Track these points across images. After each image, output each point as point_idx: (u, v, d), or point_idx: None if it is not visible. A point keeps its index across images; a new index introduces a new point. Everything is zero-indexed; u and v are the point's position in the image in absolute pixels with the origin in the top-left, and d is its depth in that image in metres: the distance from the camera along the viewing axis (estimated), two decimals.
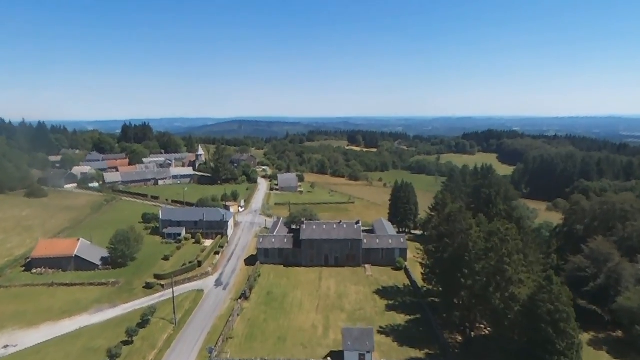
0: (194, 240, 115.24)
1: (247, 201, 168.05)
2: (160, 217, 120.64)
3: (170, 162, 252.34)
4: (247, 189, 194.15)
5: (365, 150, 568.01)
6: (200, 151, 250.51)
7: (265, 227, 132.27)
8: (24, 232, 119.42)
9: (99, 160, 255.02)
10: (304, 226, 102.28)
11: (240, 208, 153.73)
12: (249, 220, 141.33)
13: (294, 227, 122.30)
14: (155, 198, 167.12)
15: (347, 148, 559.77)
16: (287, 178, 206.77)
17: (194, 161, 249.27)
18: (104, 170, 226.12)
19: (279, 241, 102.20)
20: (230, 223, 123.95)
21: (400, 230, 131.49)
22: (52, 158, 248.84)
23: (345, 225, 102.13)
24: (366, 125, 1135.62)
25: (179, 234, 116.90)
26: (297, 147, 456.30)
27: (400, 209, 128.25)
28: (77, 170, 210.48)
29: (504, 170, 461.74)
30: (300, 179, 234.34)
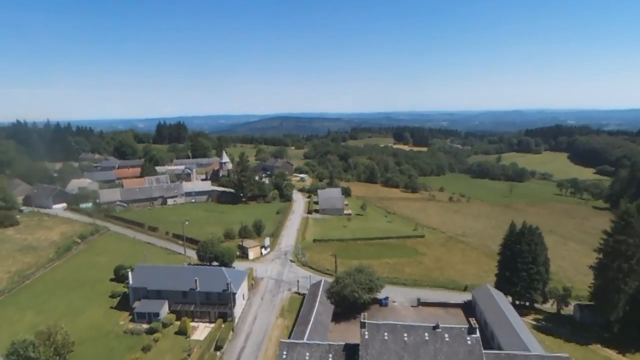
0: (178, 327, 69.63)
1: (276, 234, 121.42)
2: (130, 282, 75.87)
3: (190, 170, 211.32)
4: (277, 212, 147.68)
5: (414, 149, 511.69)
6: (225, 158, 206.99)
7: (297, 292, 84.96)
8: None
9: (110, 169, 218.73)
10: (366, 334, 53.23)
11: (263, 250, 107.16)
12: (274, 275, 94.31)
13: (344, 292, 74.34)
14: (153, 229, 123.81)
15: (394, 147, 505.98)
16: (331, 196, 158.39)
17: (218, 170, 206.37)
18: (111, 182, 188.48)
19: (320, 358, 53.92)
20: (242, 291, 77.33)
21: (518, 302, 79.63)
22: (58, 166, 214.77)
23: (447, 337, 52.14)
24: (409, 120, 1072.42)
25: (157, 314, 71.61)
26: (339, 147, 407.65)
27: (521, 271, 76.29)
28: (76, 184, 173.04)
29: (578, 172, 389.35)
30: (346, 193, 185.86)
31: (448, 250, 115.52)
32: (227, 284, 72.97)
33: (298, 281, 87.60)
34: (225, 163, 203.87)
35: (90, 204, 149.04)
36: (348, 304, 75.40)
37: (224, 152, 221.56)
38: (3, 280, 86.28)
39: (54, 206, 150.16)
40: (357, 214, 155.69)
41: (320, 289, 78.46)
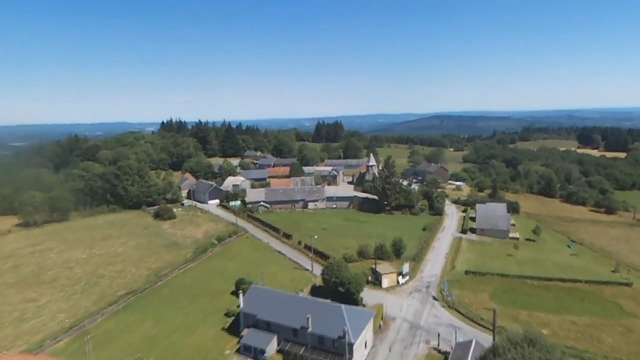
0: None
1: (419, 258, 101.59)
2: (241, 306, 67.26)
3: (336, 172, 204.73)
4: (423, 229, 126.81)
5: (607, 155, 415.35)
6: (372, 161, 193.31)
7: (437, 349, 64.66)
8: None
9: (265, 167, 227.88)
10: None
11: (400, 278, 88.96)
12: (410, 315, 75.27)
13: None
14: (287, 236, 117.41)
15: (579, 152, 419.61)
16: (493, 213, 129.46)
17: (364, 173, 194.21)
18: (263, 180, 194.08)
19: None
20: (364, 338, 61.25)
21: None
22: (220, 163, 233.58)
23: None
24: (599, 119, 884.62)
25: (263, 352, 61.07)
26: (506, 151, 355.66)
27: None
28: (231, 181, 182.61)
29: None
30: (514, 209, 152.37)
31: None
32: (345, 330, 57.79)
33: (439, 334, 66.94)
34: (372, 166, 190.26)
35: (238, 202, 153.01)
36: None
37: (371, 154, 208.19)
38: (142, 278, 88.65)
39: (210, 202, 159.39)
40: (527, 239, 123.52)
41: (470, 356, 56.96)
